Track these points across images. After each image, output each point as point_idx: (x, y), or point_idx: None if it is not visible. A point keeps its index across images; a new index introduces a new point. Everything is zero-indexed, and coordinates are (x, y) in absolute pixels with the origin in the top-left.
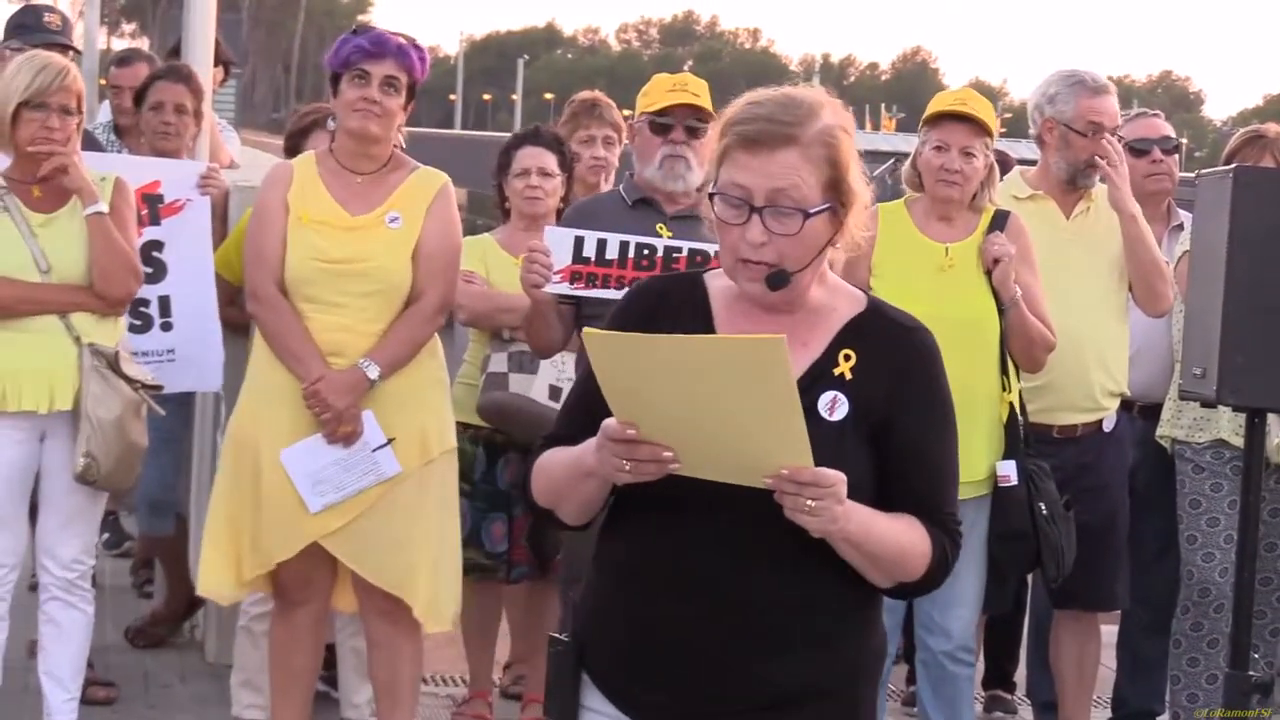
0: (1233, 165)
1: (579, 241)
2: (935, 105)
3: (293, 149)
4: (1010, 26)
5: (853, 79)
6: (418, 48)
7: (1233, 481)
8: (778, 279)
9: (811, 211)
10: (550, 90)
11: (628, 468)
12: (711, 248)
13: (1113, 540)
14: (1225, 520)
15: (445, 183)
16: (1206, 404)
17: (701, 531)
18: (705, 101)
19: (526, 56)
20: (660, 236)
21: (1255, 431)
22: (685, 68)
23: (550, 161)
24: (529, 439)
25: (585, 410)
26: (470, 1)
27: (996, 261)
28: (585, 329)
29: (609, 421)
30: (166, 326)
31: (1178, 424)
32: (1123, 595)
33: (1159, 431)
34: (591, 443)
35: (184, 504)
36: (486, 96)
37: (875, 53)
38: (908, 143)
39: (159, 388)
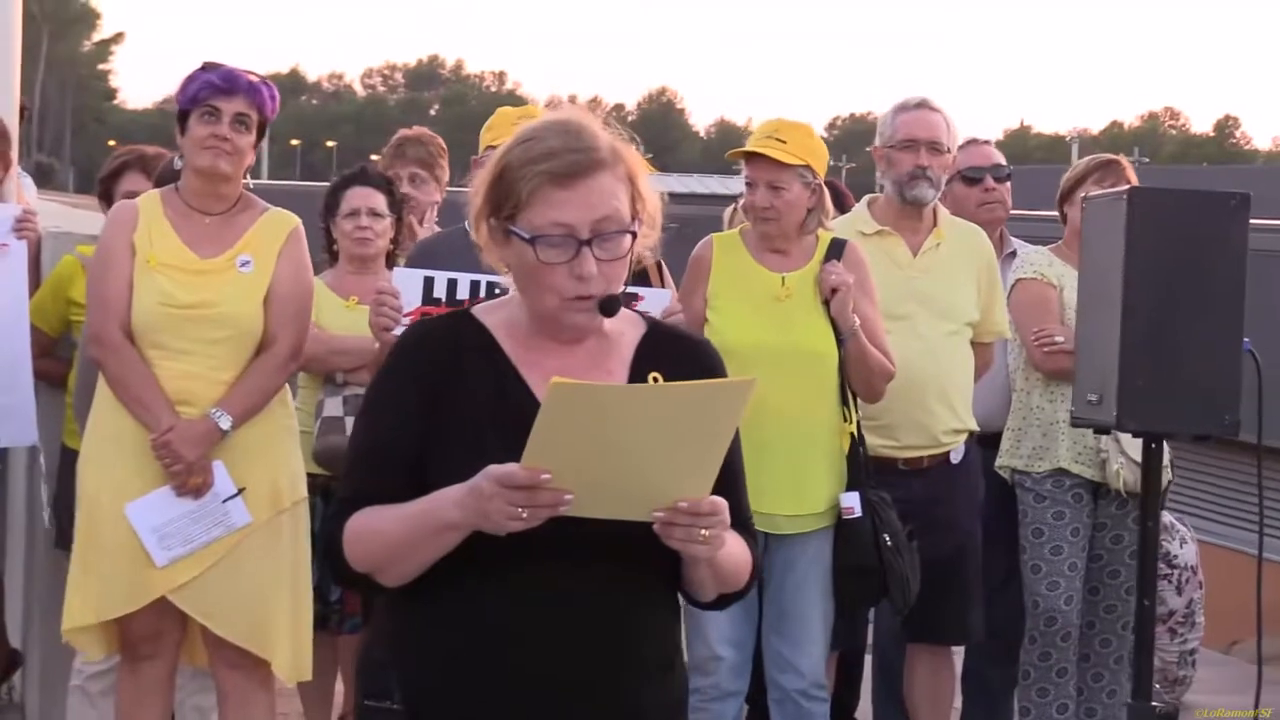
0: (1126, 188)
1: (429, 282)
2: (748, 140)
3: (105, 194)
4: (753, 66)
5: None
6: (268, 85)
7: (1074, 509)
8: (612, 304)
9: (634, 230)
10: (296, 137)
11: (524, 514)
12: None
13: (964, 572)
14: (1068, 548)
15: (296, 225)
16: (1101, 430)
17: (559, 572)
18: None
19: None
20: (506, 274)
21: (1153, 457)
22: (431, 112)
23: (379, 202)
24: None
25: (396, 466)
26: (213, 49)
27: (834, 291)
28: (555, 379)
29: (509, 469)
30: None
31: (1016, 454)
32: (976, 627)
33: (998, 462)
34: (442, 496)
35: None
36: None
37: (621, 93)
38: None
39: None
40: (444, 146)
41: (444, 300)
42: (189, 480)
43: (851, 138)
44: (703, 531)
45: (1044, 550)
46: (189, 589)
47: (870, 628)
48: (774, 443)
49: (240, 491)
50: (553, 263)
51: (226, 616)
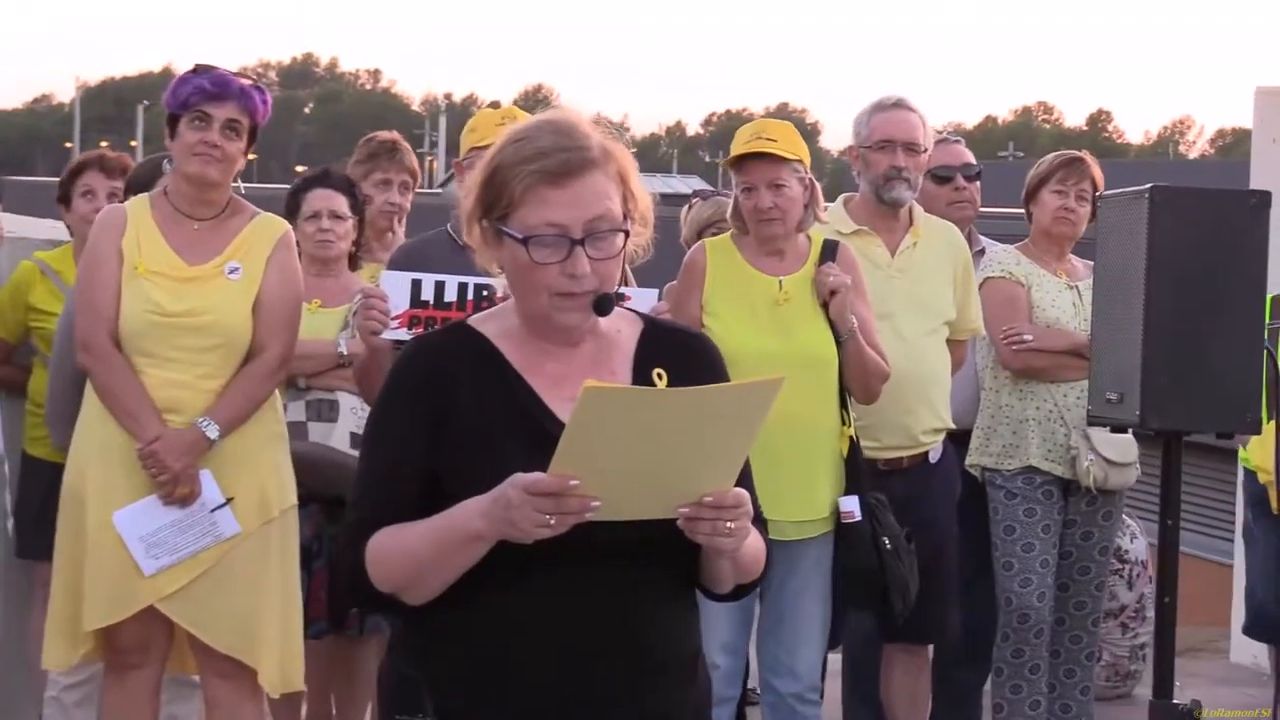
0: (1148, 186)
1: (416, 285)
2: (733, 147)
3: (64, 195)
4: (630, 60)
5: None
6: (260, 89)
7: (1045, 505)
8: (606, 303)
9: (627, 228)
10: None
11: (552, 521)
12: None
13: (942, 571)
14: (1040, 545)
15: (286, 230)
16: (1120, 429)
17: (582, 576)
18: None
19: (147, 102)
20: (498, 275)
21: (1173, 455)
22: (306, 110)
23: (341, 204)
24: (330, 489)
25: (409, 485)
26: (85, 47)
27: (833, 293)
28: (587, 381)
29: (536, 477)
30: None
31: (987, 451)
32: (954, 626)
33: (968, 460)
34: (466, 508)
35: None
36: (104, 143)
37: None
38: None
39: None
40: None
41: (432, 303)
42: (176, 490)
43: (727, 134)
44: (729, 524)
45: (1015, 547)
46: (177, 598)
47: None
48: (781, 449)
49: (228, 501)
50: (546, 262)
51: (215, 625)
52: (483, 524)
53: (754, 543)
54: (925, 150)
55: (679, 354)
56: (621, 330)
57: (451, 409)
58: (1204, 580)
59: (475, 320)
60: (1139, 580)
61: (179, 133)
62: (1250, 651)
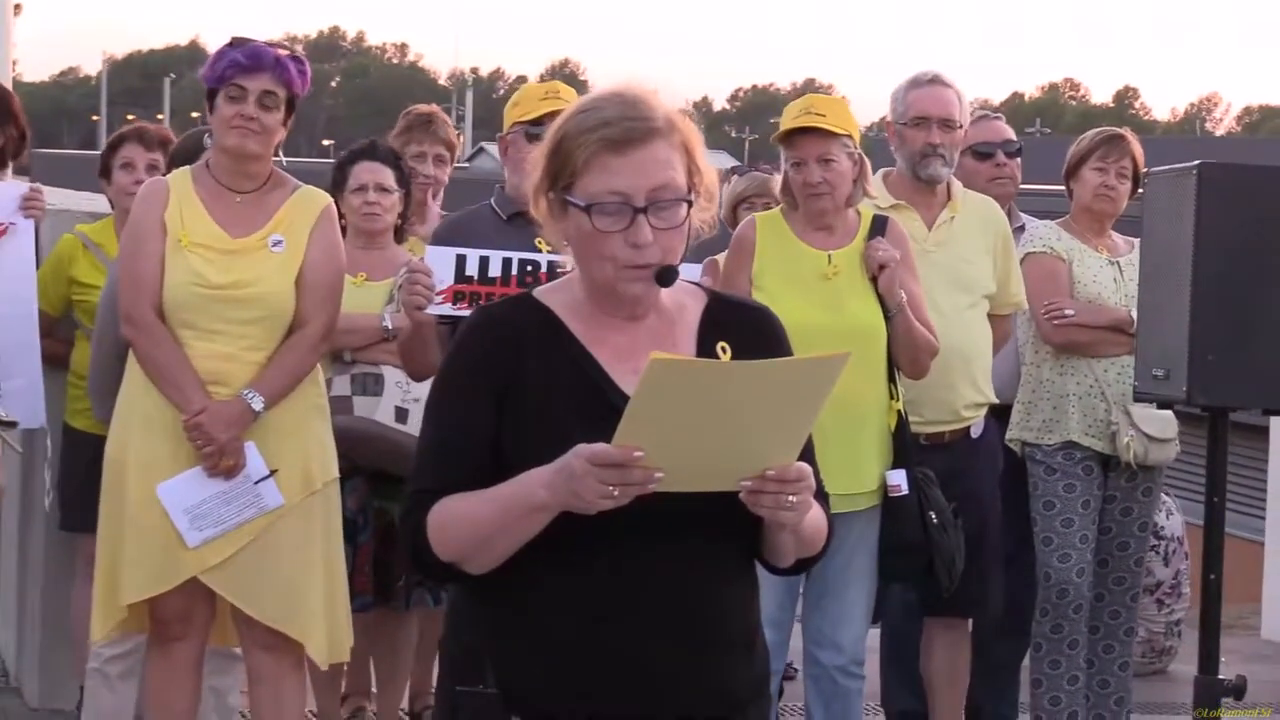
0: (1196, 163)
1: (461, 260)
2: (783, 122)
3: (105, 169)
4: (657, 34)
5: (501, 92)
6: (297, 59)
7: (1084, 481)
8: (669, 274)
9: (691, 199)
10: (197, 109)
11: (616, 493)
12: None
13: (984, 547)
14: (1079, 521)
15: (328, 204)
16: (1166, 405)
17: (644, 550)
18: None
19: (173, 75)
20: (541, 251)
21: (1220, 431)
22: (333, 84)
23: (387, 177)
24: (375, 463)
25: (472, 455)
26: (111, 21)
27: (882, 267)
28: (654, 353)
29: (601, 447)
30: None
31: (1027, 426)
32: (996, 601)
33: (1008, 435)
34: (530, 478)
35: None
36: (131, 116)
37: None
38: None
39: (14, 424)
40: None
41: (476, 278)
42: (221, 461)
43: (753, 109)
44: (791, 498)
45: (1055, 522)
46: (221, 569)
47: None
48: (828, 422)
49: (273, 473)
50: (608, 230)
51: (259, 598)
52: (546, 494)
53: (816, 517)
54: (961, 126)
55: (743, 329)
56: (686, 305)
57: (515, 380)
58: (1235, 557)
59: (540, 292)
60: (1175, 556)
61: (216, 107)
62: None
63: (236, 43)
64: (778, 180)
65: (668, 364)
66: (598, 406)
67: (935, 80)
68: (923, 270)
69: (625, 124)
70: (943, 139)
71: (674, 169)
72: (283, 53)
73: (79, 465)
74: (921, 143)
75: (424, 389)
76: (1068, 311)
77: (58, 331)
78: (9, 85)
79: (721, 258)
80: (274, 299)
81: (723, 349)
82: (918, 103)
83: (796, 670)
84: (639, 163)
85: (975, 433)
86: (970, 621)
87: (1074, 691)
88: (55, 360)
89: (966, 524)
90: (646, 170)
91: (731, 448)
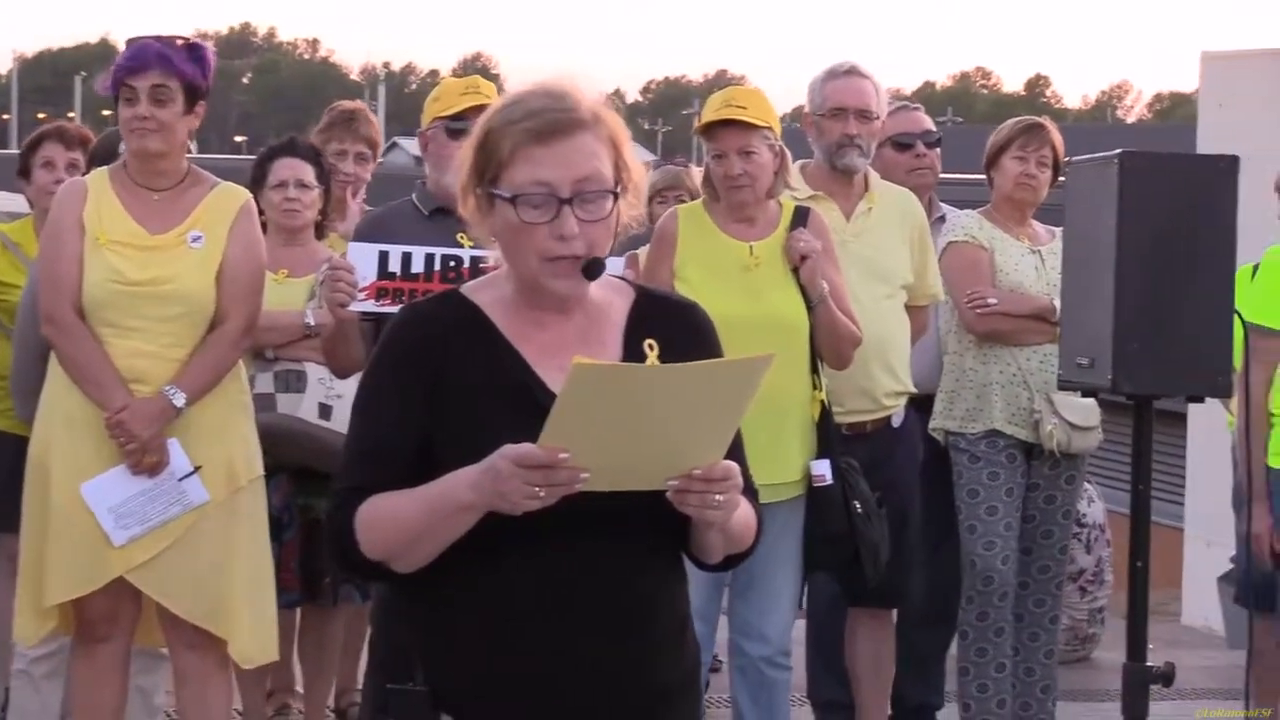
0: (1118, 151)
1: (383, 256)
2: (704, 114)
3: (24, 168)
4: (567, 27)
5: (414, 86)
6: (192, 46)
7: (1008, 469)
8: (595, 267)
9: (617, 191)
10: (109, 108)
11: (542, 494)
12: None
13: (907, 535)
14: (1003, 508)
15: (247, 199)
16: (1090, 393)
17: (571, 548)
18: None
19: (84, 73)
20: (463, 247)
21: (1144, 419)
22: (244, 80)
23: (308, 173)
24: (300, 460)
25: (402, 454)
26: (20, 18)
27: (804, 258)
28: (576, 358)
29: (526, 449)
30: None
31: (950, 415)
32: (916, 591)
33: (932, 424)
34: (456, 478)
35: None
36: (42, 115)
37: (435, 59)
38: None
39: None
40: None
41: (399, 274)
42: (144, 459)
43: (666, 101)
44: (717, 497)
45: (979, 510)
46: (147, 568)
47: (804, 594)
48: (752, 413)
49: (197, 469)
50: (534, 222)
51: (184, 596)
52: (472, 495)
53: (744, 513)
54: (878, 117)
55: (671, 325)
56: (613, 301)
57: (442, 376)
58: (1155, 543)
59: (467, 289)
60: (1097, 544)
61: (119, 112)
62: (1201, 614)
63: (129, 43)
64: (692, 173)
65: (590, 369)
66: (524, 404)
67: (852, 71)
68: (841, 261)
69: (550, 115)
70: (860, 129)
71: (600, 160)
72: (179, 43)
73: (2, 466)
74: (839, 134)
75: (348, 385)
76: (990, 300)
77: None
78: None
79: (643, 252)
80: (193, 295)
81: (650, 346)
82: (835, 94)
83: (722, 662)
84: (564, 153)
85: (896, 422)
86: (894, 611)
87: (1001, 679)
88: None
89: (889, 514)
90: (571, 161)
91: (657, 448)
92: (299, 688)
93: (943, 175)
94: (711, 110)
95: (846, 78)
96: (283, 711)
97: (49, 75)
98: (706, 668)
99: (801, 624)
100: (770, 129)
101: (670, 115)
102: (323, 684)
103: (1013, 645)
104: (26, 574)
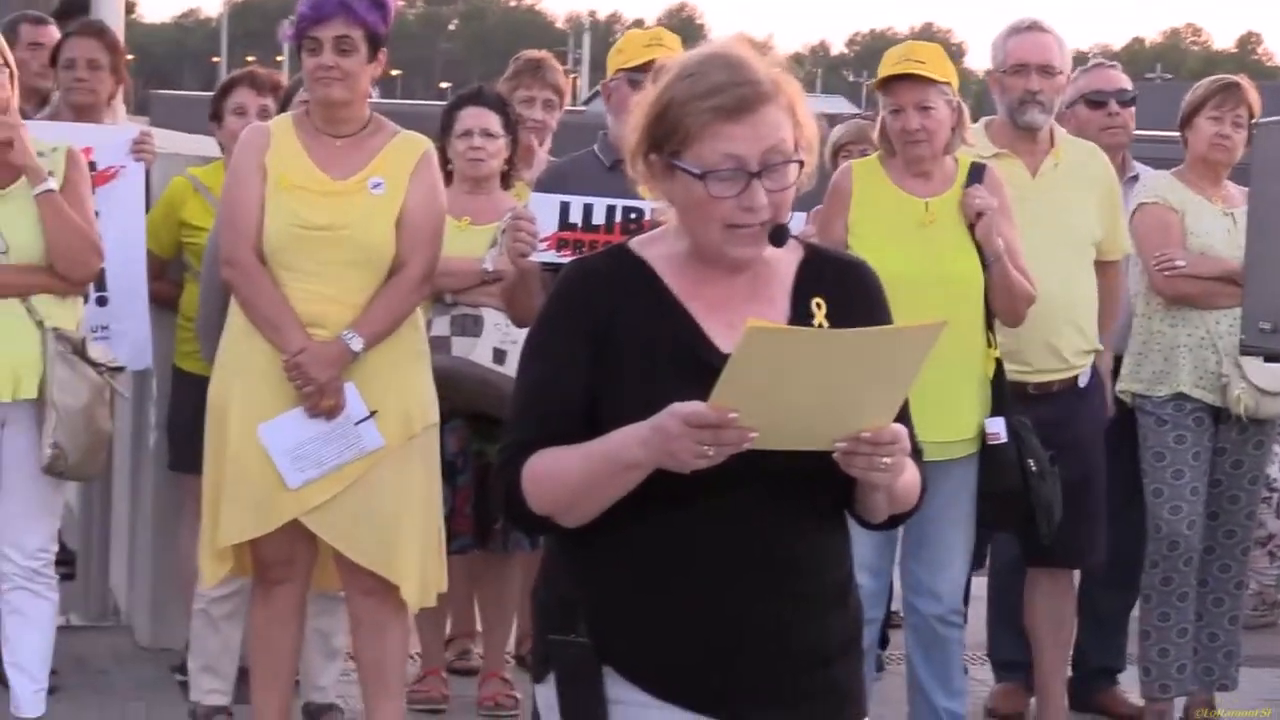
0: None
1: (564, 207)
2: (881, 69)
3: (216, 112)
4: None
5: (619, 35)
6: None
7: (1195, 433)
8: (781, 233)
9: (800, 159)
10: None
11: (711, 453)
12: None
13: (1089, 496)
14: (1190, 473)
15: (428, 147)
16: (1273, 358)
17: (738, 505)
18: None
19: (292, 18)
20: (644, 199)
21: None
22: (450, 27)
23: (493, 122)
24: (473, 404)
25: (568, 408)
26: None
27: (979, 215)
28: (750, 320)
29: (696, 408)
30: (102, 301)
31: (1138, 377)
32: (1099, 551)
33: (1119, 386)
34: (625, 435)
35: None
36: (250, 59)
37: (641, 8)
38: None
39: (122, 369)
40: None
41: (579, 225)
42: (321, 402)
43: (872, 54)
44: (885, 460)
45: (1165, 474)
46: (321, 512)
47: (988, 552)
48: (926, 371)
49: (373, 414)
50: (723, 196)
51: (359, 541)
52: (641, 453)
53: (909, 475)
54: (1061, 73)
55: (839, 283)
56: (782, 258)
57: (610, 332)
58: None
59: (636, 244)
60: None
61: (303, 61)
62: None
63: None
64: (876, 126)
65: (765, 332)
66: (690, 361)
67: (1034, 26)
68: (1027, 217)
69: (736, 90)
70: (1042, 85)
71: (784, 131)
72: None
73: (188, 407)
74: (1021, 89)
75: (524, 332)
76: (1178, 262)
77: (168, 273)
78: (121, 28)
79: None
80: (373, 241)
81: (818, 304)
82: (1017, 50)
83: (902, 618)
84: (752, 129)
85: (1083, 382)
86: (1076, 572)
87: (1183, 644)
88: (165, 302)
89: (1070, 473)
90: (760, 135)
91: (827, 410)
92: (479, 633)
93: (1151, 132)
94: (889, 65)
95: (1028, 33)
96: (464, 657)
97: (258, 20)
98: (880, 623)
99: (982, 582)
100: (948, 84)
101: (875, 67)
102: (502, 631)
103: (1196, 610)
104: (206, 516)
